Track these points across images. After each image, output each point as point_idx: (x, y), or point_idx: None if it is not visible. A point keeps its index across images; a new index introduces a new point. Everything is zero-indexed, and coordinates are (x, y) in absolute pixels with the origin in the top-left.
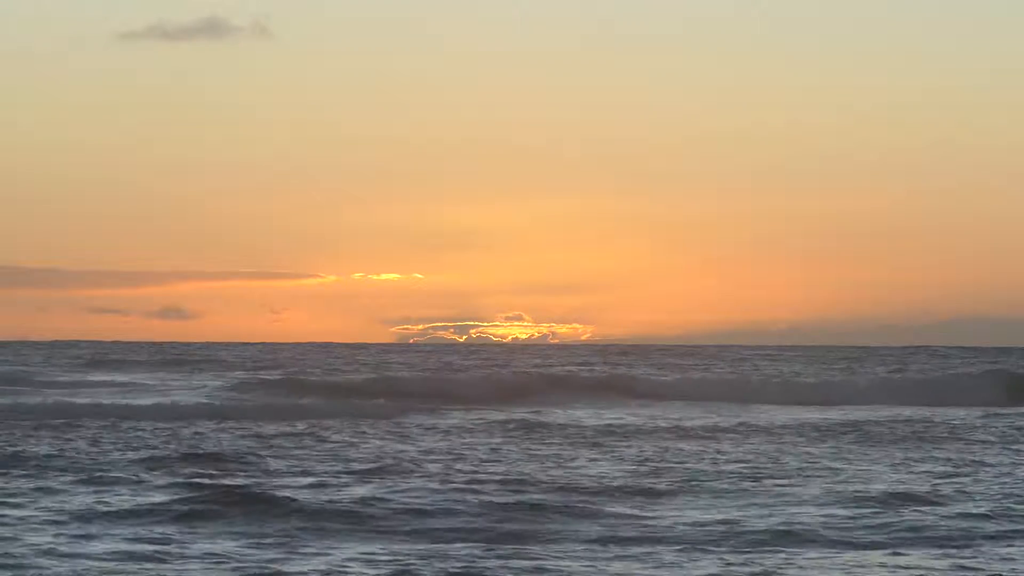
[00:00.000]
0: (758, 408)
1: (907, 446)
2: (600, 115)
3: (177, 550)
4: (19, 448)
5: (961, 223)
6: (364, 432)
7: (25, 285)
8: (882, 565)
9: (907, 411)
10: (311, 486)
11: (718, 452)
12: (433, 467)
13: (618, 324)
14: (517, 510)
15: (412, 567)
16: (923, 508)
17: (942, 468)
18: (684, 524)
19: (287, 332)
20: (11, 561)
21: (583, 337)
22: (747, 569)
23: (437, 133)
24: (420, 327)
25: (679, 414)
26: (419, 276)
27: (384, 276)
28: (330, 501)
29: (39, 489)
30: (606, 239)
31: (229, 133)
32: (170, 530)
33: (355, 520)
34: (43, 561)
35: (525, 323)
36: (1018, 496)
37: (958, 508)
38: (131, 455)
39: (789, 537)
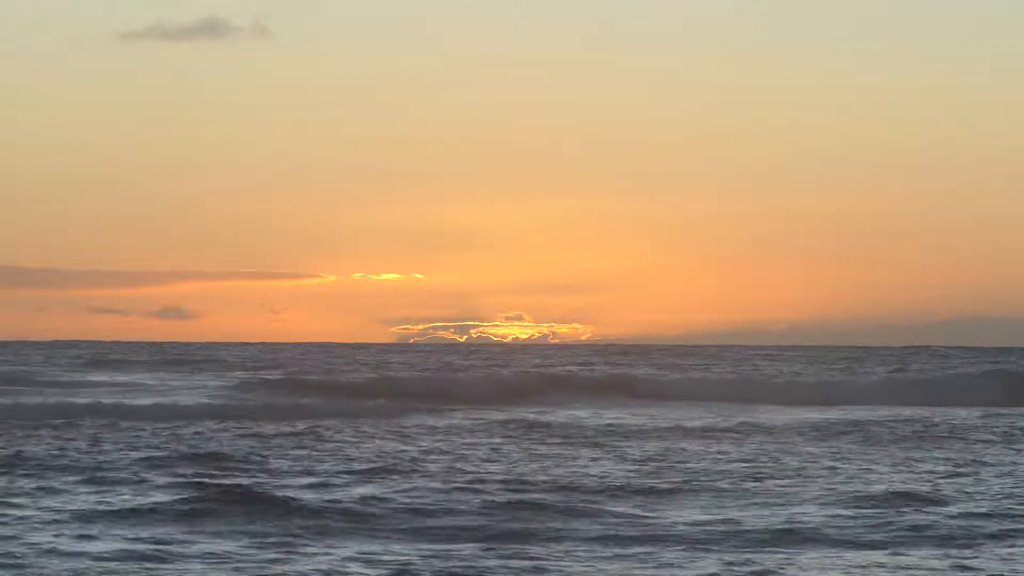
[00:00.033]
0: (759, 408)
1: (908, 446)
2: (600, 115)
3: (178, 550)
4: (20, 448)
5: (961, 223)
6: (364, 432)
7: (25, 285)
8: (883, 565)
9: (907, 411)
10: (311, 486)
11: (719, 452)
12: (433, 467)
13: (618, 324)
14: (518, 510)
15: (412, 567)
16: (924, 508)
17: (943, 468)
18: (685, 524)
19: (287, 332)
20: (12, 561)
21: (583, 337)
22: (748, 569)
23: (437, 133)
24: (420, 327)
25: (680, 414)
26: (419, 276)
27: (384, 276)
28: (330, 501)
29: (40, 489)
30: (606, 239)
31: (229, 133)
32: (171, 530)
33: (355, 520)
34: (44, 561)
35: (525, 323)
36: (1019, 496)
37: (959, 508)
38: (131, 455)
39: (790, 537)
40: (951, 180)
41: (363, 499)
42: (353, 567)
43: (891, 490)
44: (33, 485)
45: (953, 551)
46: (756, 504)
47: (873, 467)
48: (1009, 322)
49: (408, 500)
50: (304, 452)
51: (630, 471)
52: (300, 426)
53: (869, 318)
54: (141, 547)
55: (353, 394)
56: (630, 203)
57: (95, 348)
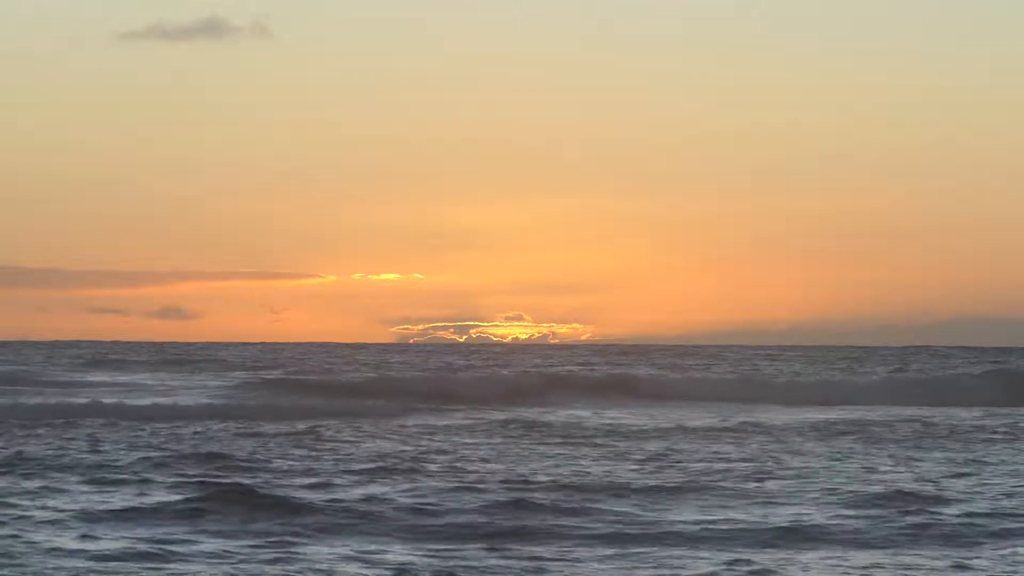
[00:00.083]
0: (759, 408)
1: (908, 446)
2: (600, 115)
3: (179, 549)
4: (20, 448)
5: (961, 223)
6: (364, 432)
7: (25, 285)
8: (884, 565)
9: (908, 411)
10: (312, 486)
11: (720, 452)
12: (433, 467)
13: (618, 324)
14: (518, 509)
15: (413, 567)
16: (924, 508)
17: (943, 468)
18: (686, 523)
19: (287, 332)
20: (14, 561)
21: (583, 337)
22: (748, 569)
23: (437, 133)
24: (420, 327)
25: (680, 414)
26: (419, 276)
27: (384, 276)
28: (331, 501)
29: (40, 489)
30: (606, 239)
31: (229, 133)
32: (172, 529)
33: (356, 520)
34: (46, 560)
35: (525, 323)
36: (1019, 496)
37: (959, 508)
38: (132, 455)
39: (791, 537)
40: (951, 180)
41: (363, 499)
42: (353, 567)
43: (892, 490)
44: (34, 485)
45: (954, 551)
46: (757, 504)
47: (874, 467)
48: (1009, 322)
49: (408, 500)
50: (304, 452)
51: (631, 471)
52: (300, 426)
53: (869, 318)
54: (142, 547)
55: (353, 394)
56: (630, 203)
57: (95, 348)
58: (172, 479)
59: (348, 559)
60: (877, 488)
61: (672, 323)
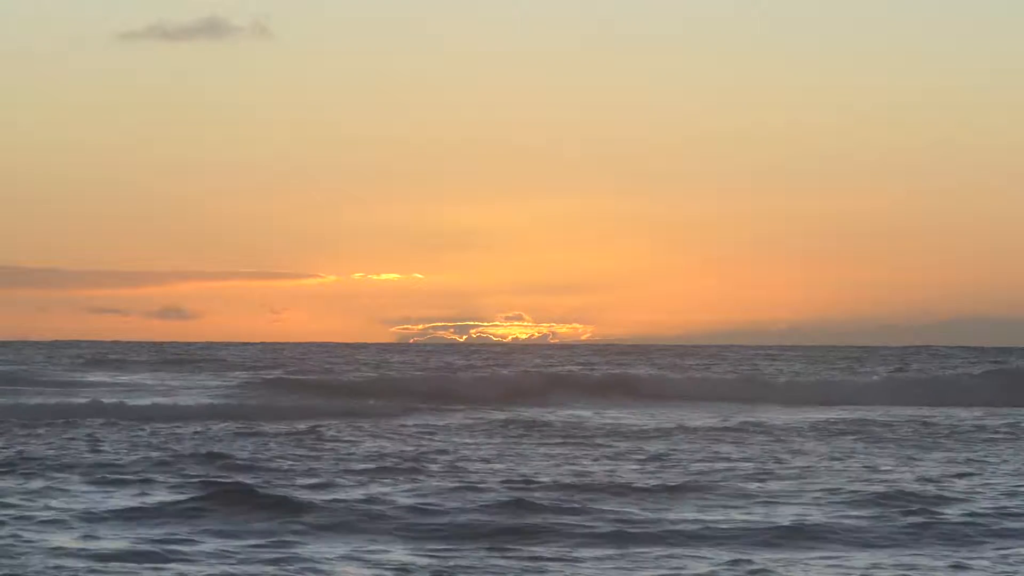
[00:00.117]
0: (761, 408)
1: (909, 445)
2: (600, 115)
3: (180, 549)
4: (21, 448)
5: (961, 223)
6: (364, 432)
7: (25, 285)
8: (885, 564)
9: (908, 411)
10: (312, 486)
11: (721, 452)
12: (434, 467)
13: (618, 324)
14: (519, 509)
15: (413, 567)
16: (925, 507)
17: (943, 468)
18: (687, 523)
19: (287, 332)
20: (15, 561)
21: (583, 337)
22: (750, 568)
23: (437, 133)
24: (420, 327)
25: (681, 414)
26: (419, 276)
27: (384, 276)
28: (331, 501)
29: (41, 489)
30: (606, 239)
31: (229, 133)
32: (173, 529)
33: (356, 519)
34: (47, 560)
35: (525, 323)
36: (1020, 495)
37: (960, 508)
38: (132, 455)
39: (792, 537)
40: (951, 180)
41: (363, 499)
42: (354, 566)
43: (892, 490)
44: (34, 485)
45: (955, 551)
46: (758, 504)
47: (874, 467)
48: (1009, 322)
49: (409, 500)
50: (304, 452)
51: (632, 471)
52: (300, 426)
53: (869, 318)
54: (144, 546)
55: (353, 394)
56: (630, 203)
57: (95, 348)
58: (173, 479)
59: (349, 559)
60: (878, 488)
61: (672, 323)
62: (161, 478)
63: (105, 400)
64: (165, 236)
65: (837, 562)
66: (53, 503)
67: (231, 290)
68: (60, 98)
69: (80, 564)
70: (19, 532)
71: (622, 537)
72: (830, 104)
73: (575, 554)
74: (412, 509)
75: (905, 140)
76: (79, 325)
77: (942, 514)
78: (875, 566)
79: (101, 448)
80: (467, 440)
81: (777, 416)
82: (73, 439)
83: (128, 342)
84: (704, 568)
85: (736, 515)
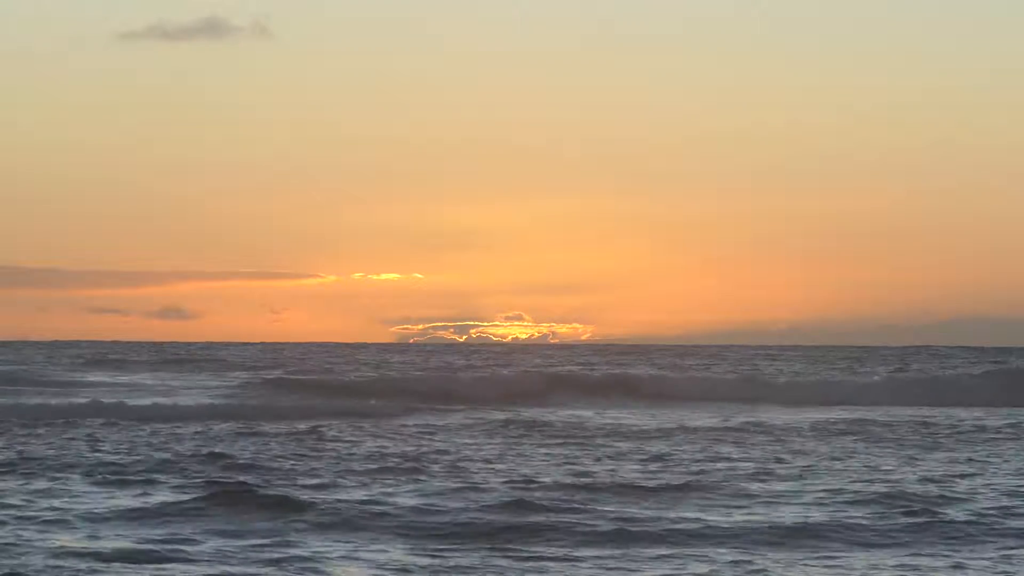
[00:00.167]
0: (761, 408)
1: (909, 445)
2: (600, 115)
3: (181, 549)
4: (21, 448)
5: (961, 223)
6: (364, 432)
7: (25, 285)
8: (887, 564)
9: (909, 411)
10: (312, 486)
11: (722, 452)
12: (434, 467)
13: (618, 324)
14: (519, 509)
15: (413, 567)
16: (926, 507)
17: (944, 468)
18: (688, 523)
19: (287, 332)
20: (17, 560)
21: (583, 337)
22: (751, 568)
23: (437, 133)
24: (420, 327)
25: (682, 414)
26: (419, 276)
27: (384, 276)
28: (331, 500)
29: (42, 489)
30: (606, 239)
31: (229, 133)
32: (174, 530)
33: (356, 519)
34: (49, 560)
35: (525, 323)
36: (1020, 495)
37: (961, 507)
38: (133, 455)
39: (794, 536)
40: (951, 180)
41: (364, 499)
42: (355, 566)
43: (893, 490)
44: (36, 485)
45: (956, 550)
46: (759, 504)
47: (875, 467)
48: (1009, 322)
49: (410, 500)
50: (305, 452)
51: (633, 471)
52: (301, 426)
53: (869, 318)
54: (146, 546)
55: (353, 394)
56: (630, 203)
57: (95, 348)
58: (174, 479)
59: (350, 559)
60: (879, 488)
61: (672, 323)
62: (162, 478)
63: (105, 400)
64: (165, 236)
65: (838, 562)
66: (55, 503)
67: (231, 290)
68: (60, 98)
69: (82, 564)
70: (21, 532)
71: (623, 537)
72: (830, 104)
73: (576, 554)
74: (413, 509)
75: (905, 140)
76: (79, 325)
77: (943, 514)
78: (875, 566)
79: (102, 448)
80: (468, 440)
81: (778, 416)
82: (73, 439)
83: (128, 342)
84: (705, 568)
85: (737, 515)
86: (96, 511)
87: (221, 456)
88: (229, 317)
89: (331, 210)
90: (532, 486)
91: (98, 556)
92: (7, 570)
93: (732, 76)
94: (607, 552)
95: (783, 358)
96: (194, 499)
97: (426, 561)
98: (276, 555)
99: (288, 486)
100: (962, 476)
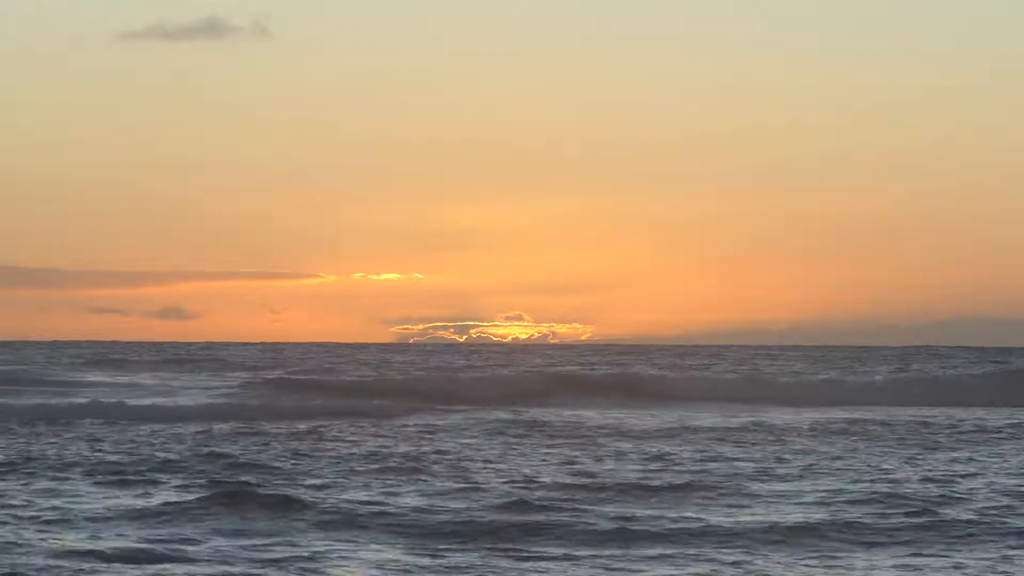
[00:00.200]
0: (762, 408)
1: (910, 445)
2: (600, 115)
3: (182, 549)
4: (21, 448)
5: (961, 223)
6: (365, 432)
7: (25, 285)
8: (887, 564)
9: (909, 411)
10: (313, 486)
11: (724, 452)
12: (435, 467)
13: (618, 324)
14: (520, 509)
15: (415, 566)
16: (927, 507)
17: (945, 468)
18: (690, 523)
19: (287, 332)
20: (18, 561)
21: (583, 337)
22: (752, 568)
23: (437, 133)
24: (420, 327)
25: (684, 414)
26: (419, 276)
27: (384, 276)
28: (332, 501)
29: (43, 489)
30: (606, 239)
31: (229, 133)
32: (176, 529)
33: (357, 519)
34: (50, 560)
35: (525, 323)
36: (1021, 495)
37: (962, 507)
38: (134, 455)
39: (794, 536)
40: (951, 180)
41: (365, 499)
42: (355, 566)
43: (893, 490)
44: (36, 485)
45: (956, 550)
46: (760, 503)
47: (876, 467)
48: (1009, 322)
49: (411, 500)
50: (305, 452)
51: (634, 471)
52: (301, 426)
53: (869, 318)
54: (147, 546)
55: (353, 394)
56: (630, 203)
57: (95, 348)
58: (175, 479)
59: (350, 558)
60: (879, 488)
61: (672, 323)
62: (164, 478)
63: (105, 400)
64: (165, 236)
65: (838, 562)
66: (56, 503)
67: (231, 290)
68: (60, 98)
69: (84, 564)
70: (22, 532)
71: (624, 537)
72: (830, 104)
73: (576, 554)
74: (414, 509)
75: (905, 140)
76: (79, 325)
77: (944, 514)
78: (876, 566)
79: (102, 448)
80: (468, 440)
81: (778, 416)
82: (74, 439)
83: (128, 342)
84: (706, 568)
85: (738, 515)
86: (97, 511)
87: (222, 456)
88: (229, 317)
89: (331, 210)
90: (533, 486)
91: (99, 556)
92: (8, 570)
93: (732, 76)
94: (607, 552)
95: (783, 358)
96: (195, 499)
97: (426, 561)
98: (277, 555)
99: (289, 486)
100: (962, 476)
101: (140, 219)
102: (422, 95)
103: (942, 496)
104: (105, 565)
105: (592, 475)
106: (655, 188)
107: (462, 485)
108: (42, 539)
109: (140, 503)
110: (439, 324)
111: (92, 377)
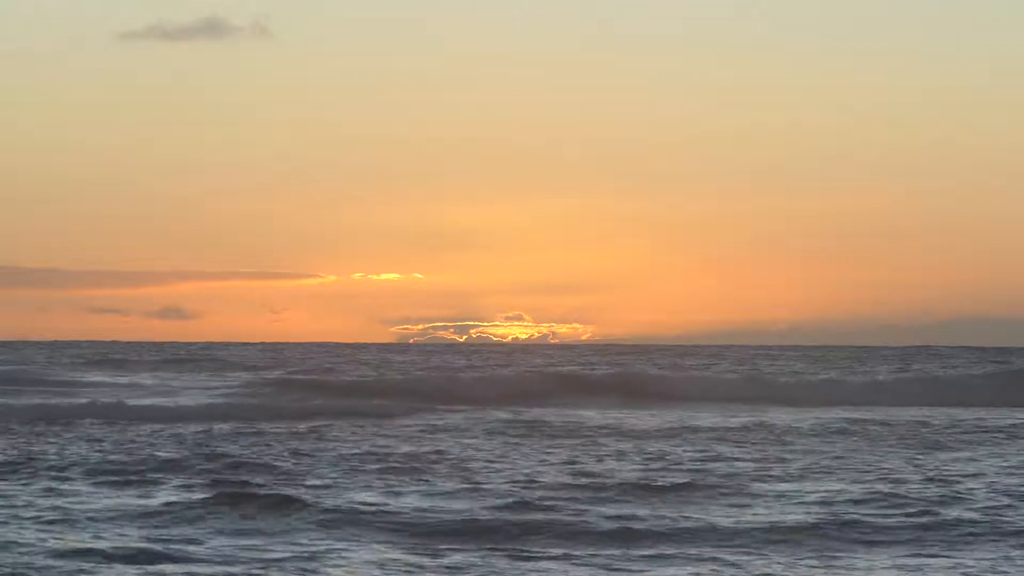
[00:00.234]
0: (762, 407)
1: (910, 446)
2: (600, 115)
3: (184, 549)
4: (21, 448)
5: (961, 223)
6: (365, 432)
7: (25, 285)
8: (888, 564)
9: (909, 411)
10: (313, 486)
11: (724, 452)
12: (436, 467)
13: (618, 324)
14: (521, 509)
15: (415, 566)
16: (928, 507)
17: (945, 468)
18: (690, 523)
19: (287, 332)
20: (19, 561)
21: (583, 337)
22: (752, 568)
23: (437, 133)
24: (420, 327)
25: (685, 414)
26: (419, 276)
27: (384, 276)
28: (332, 501)
29: (44, 489)
30: (606, 239)
31: (229, 133)
32: (177, 530)
33: (357, 520)
34: (52, 561)
35: (525, 323)
36: (1021, 495)
37: (962, 507)
38: (134, 455)
39: (795, 536)
40: (951, 180)
41: (365, 499)
42: (355, 567)
43: (894, 490)
44: (37, 485)
45: (957, 550)
46: (761, 503)
47: (876, 467)
48: (1009, 322)
49: (411, 500)
50: (306, 452)
51: (635, 471)
52: (301, 426)
53: (869, 318)
54: (147, 546)
55: (353, 394)
56: (630, 203)
57: (95, 348)
58: (176, 479)
59: (351, 558)
60: (880, 488)
61: (672, 323)
62: (164, 478)
63: (105, 400)
64: (165, 236)
65: (839, 562)
66: (57, 503)
67: (231, 290)
68: (60, 98)
69: (85, 564)
70: (23, 531)
71: (624, 536)
72: (830, 104)
73: (576, 553)
74: (414, 508)
75: (905, 140)
76: (79, 325)
77: (944, 514)
78: (877, 566)
79: (103, 448)
80: (469, 440)
81: (779, 416)
82: (74, 439)
83: (128, 342)
84: (706, 568)
85: (739, 514)
86: (98, 511)
87: (222, 456)
88: (229, 317)
89: (331, 210)
90: (533, 486)
91: (100, 555)
92: (9, 569)
93: (732, 76)
94: (607, 552)
95: (783, 358)
96: (196, 499)
97: (427, 561)
98: (278, 555)
99: (290, 486)
100: (963, 476)
101: (140, 219)
102: (422, 95)
103: (943, 496)
104: (106, 565)
105: (592, 475)
106: (655, 188)
107: (462, 485)
108: (43, 539)
109: (141, 503)
110: (439, 324)
111: (92, 377)
